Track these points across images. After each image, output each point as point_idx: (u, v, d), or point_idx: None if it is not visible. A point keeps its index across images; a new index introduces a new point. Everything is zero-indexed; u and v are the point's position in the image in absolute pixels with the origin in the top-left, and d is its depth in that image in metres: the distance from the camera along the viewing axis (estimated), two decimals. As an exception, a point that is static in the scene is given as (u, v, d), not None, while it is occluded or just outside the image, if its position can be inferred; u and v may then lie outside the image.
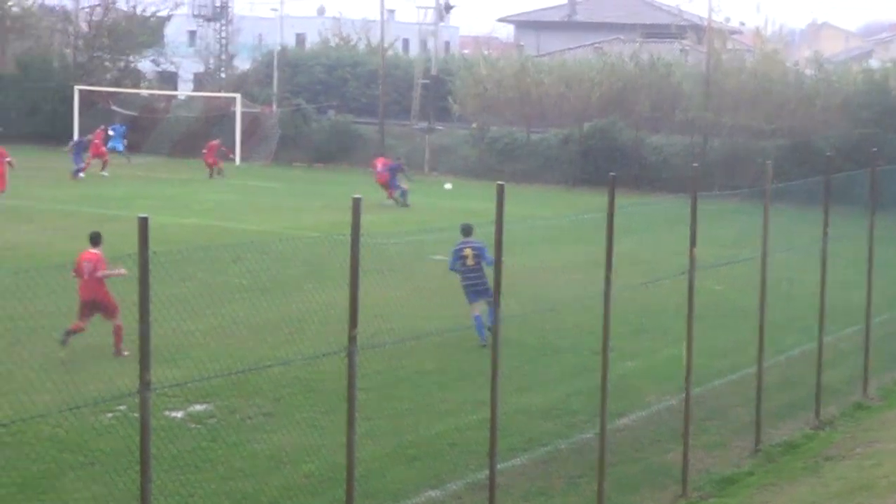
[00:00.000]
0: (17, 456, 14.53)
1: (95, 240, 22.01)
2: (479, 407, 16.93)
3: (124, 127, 62.46)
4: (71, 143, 53.31)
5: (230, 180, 52.93)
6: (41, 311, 21.39)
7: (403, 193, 45.58)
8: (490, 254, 19.11)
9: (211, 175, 54.32)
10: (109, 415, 16.30)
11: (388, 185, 45.92)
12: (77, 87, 67.82)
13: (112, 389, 16.23)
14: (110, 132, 60.14)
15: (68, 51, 77.95)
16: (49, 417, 15.22)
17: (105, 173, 53.25)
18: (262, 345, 21.13)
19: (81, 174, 51.30)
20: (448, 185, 53.96)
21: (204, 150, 56.14)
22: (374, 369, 18.10)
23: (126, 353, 20.26)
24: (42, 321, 21.49)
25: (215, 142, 56.94)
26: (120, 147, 60.49)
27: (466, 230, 23.69)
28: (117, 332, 21.24)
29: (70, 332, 21.10)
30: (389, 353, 19.69)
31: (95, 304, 21.60)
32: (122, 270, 20.03)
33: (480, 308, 22.84)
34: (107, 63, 76.37)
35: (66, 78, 71.33)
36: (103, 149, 54.62)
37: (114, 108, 69.28)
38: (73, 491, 13.41)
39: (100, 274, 21.28)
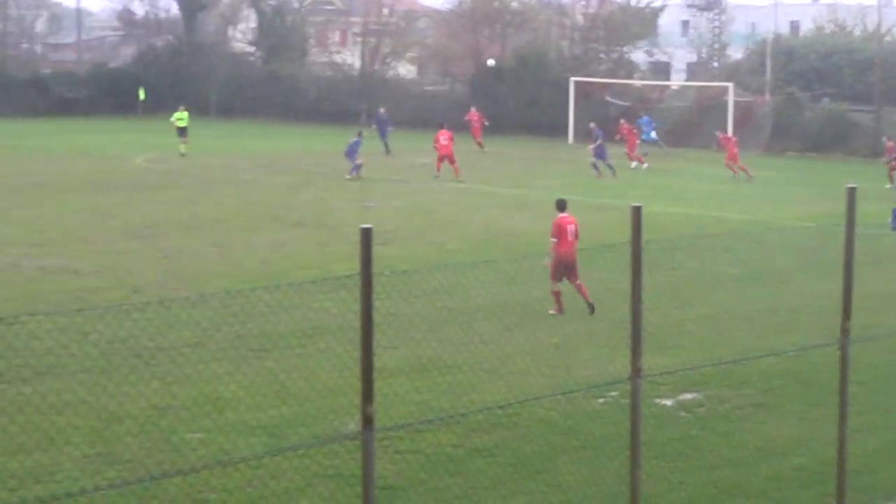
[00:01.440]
0: (512, 437, 15.06)
1: (564, 206, 23.25)
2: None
3: (648, 117, 63.24)
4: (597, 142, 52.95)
5: (723, 170, 52.44)
6: (536, 297, 22.17)
7: None
8: None
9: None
10: (601, 400, 16.60)
11: None
12: (572, 79, 69.29)
13: (603, 375, 16.58)
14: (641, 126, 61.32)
15: (564, 43, 79.90)
16: (543, 400, 15.74)
17: (645, 165, 54.01)
18: (752, 335, 20.89)
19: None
20: None
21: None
22: (867, 363, 17.53)
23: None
24: (536, 307, 22.20)
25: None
26: (653, 137, 61.34)
27: None
28: (582, 288, 22.33)
29: (558, 301, 22.15)
30: (884, 347, 19.05)
31: (570, 266, 22.42)
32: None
33: None
34: (601, 55, 77.67)
35: (562, 70, 73.03)
36: (634, 141, 55.11)
37: (608, 99, 70.38)
38: (565, 473, 13.75)
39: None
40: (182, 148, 54.75)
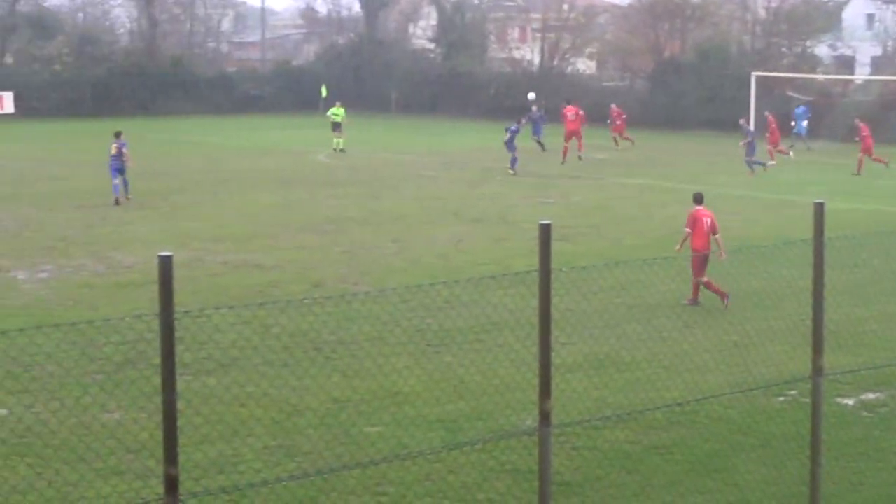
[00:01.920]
0: (689, 434, 14.94)
1: (701, 199, 23.49)
2: None
3: (805, 108, 62.17)
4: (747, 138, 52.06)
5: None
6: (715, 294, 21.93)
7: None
8: None
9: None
10: (780, 398, 16.35)
11: None
12: (754, 74, 68.21)
13: (783, 373, 16.35)
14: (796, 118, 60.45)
15: (746, 37, 78.71)
16: (721, 398, 15.56)
17: (789, 155, 53.30)
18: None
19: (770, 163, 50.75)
20: None
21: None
22: None
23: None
24: (716, 303, 21.99)
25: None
26: (803, 131, 60.36)
27: None
28: (710, 285, 22.48)
29: (722, 294, 22.40)
30: None
31: (705, 258, 22.65)
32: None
33: None
34: (784, 49, 76.33)
35: (744, 64, 71.94)
36: (777, 134, 54.22)
37: (790, 93, 69.13)
38: (743, 472, 13.59)
39: (717, 236, 22.90)
40: (340, 143, 55.67)
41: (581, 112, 52.51)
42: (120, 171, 37.32)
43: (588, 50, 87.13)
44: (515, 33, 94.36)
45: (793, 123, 61.55)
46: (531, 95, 59.33)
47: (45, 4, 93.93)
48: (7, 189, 40.45)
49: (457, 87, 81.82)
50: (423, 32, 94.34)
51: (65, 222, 32.90)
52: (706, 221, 22.97)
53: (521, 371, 15.80)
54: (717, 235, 22.99)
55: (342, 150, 54.96)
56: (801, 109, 61.94)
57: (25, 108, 76.69)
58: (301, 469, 13.32)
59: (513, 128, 46.83)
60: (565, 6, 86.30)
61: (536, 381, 9.79)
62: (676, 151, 57.30)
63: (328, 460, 13.52)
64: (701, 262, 22.59)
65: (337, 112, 56.57)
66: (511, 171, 45.68)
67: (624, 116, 60.95)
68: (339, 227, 32.25)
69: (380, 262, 27.12)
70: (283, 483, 12.36)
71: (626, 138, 58.86)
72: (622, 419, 14.77)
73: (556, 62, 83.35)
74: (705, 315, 21.24)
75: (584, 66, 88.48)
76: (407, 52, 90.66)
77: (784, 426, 14.96)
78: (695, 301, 22.57)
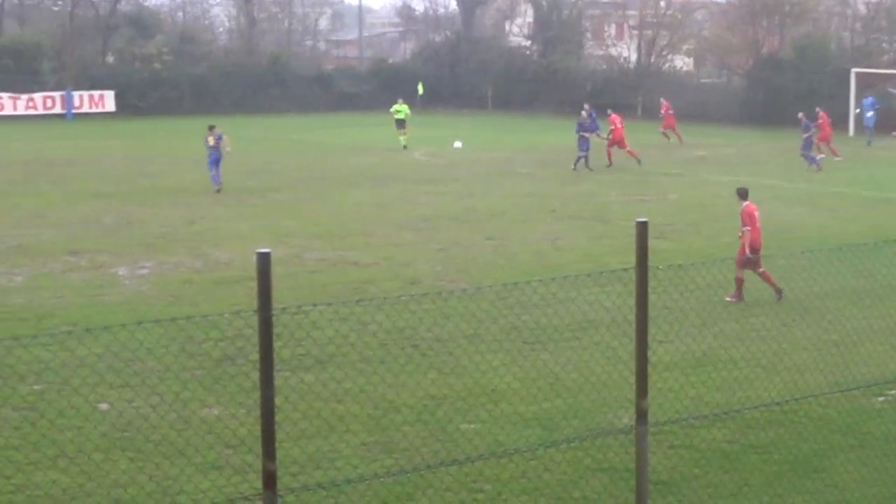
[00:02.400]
0: (788, 434, 14.78)
1: (747, 193, 23.61)
2: None
3: (873, 99, 61.17)
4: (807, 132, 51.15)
5: None
6: (816, 292, 21.65)
7: None
8: None
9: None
10: (880, 398, 16.13)
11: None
12: (854, 70, 67.32)
13: (884, 373, 16.16)
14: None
15: (845, 34, 77.70)
16: (820, 398, 15.38)
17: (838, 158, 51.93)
18: None
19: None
20: None
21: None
22: None
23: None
24: (815, 302, 21.71)
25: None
26: (871, 123, 59.52)
27: None
28: (767, 276, 22.60)
29: (777, 290, 22.53)
30: None
31: (758, 252, 22.76)
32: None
33: None
34: (884, 44, 75.26)
35: (843, 61, 71.06)
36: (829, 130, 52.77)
37: (890, 90, 68.14)
38: (843, 472, 13.43)
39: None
40: (402, 140, 55.99)
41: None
42: (217, 162, 39.26)
43: (685, 47, 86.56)
44: (612, 30, 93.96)
45: (857, 110, 60.71)
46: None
47: (146, 4, 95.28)
48: (108, 186, 41.08)
49: (553, 84, 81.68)
50: (519, 30, 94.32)
51: (164, 219, 33.34)
52: (757, 215, 23.08)
53: (618, 369, 15.73)
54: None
55: (406, 147, 55.26)
56: (869, 101, 60.88)
57: (126, 107, 77.91)
58: (397, 465, 13.39)
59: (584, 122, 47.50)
60: (662, 2, 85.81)
61: (633, 379, 9.77)
62: (775, 149, 56.66)
63: (424, 457, 13.57)
64: (756, 257, 22.70)
65: (400, 109, 57.01)
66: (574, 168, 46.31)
67: (671, 112, 60.38)
68: (434, 225, 32.34)
69: (475, 260, 27.15)
70: (380, 479, 12.44)
71: (677, 135, 58.29)
72: (719, 418, 14.66)
73: (652, 59, 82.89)
74: (803, 314, 20.98)
75: (682, 62, 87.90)
76: (503, 50, 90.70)
77: (884, 426, 14.77)
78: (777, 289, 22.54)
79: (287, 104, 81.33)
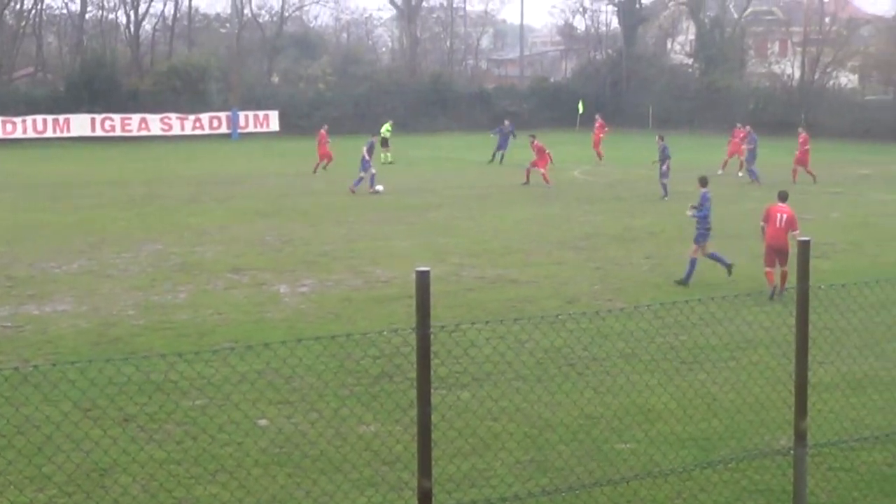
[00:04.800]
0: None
1: (785, 197, 25.43)
2: None
3: None
4: None
5: None
6: None
7: None
8: None
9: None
10: None
11: None
12: None
13: None
14: None
15: None
16: None
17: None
18: None
19: None
20: None
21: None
22: None
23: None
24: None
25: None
26: None
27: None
28: (784, 277, 24.33)
29: (770, 281, 24.44)
30: None
31: (780, 251, 24.45)
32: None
33: None
34: None
35: None
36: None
37: None
38: None
39: (796, 233, 24.11)
40: (386, 158, 58.08)
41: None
42: (366, 167, 44.69)
43: (850, 63, 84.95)
44: (775, 47, 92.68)
45: None
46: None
47: (311, 25, 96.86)
48: (271, 205, 41.84)
49: (715, 101, 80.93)
50: (681, 48, 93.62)
51: (325, 237, 33.83)
52: (779, 216, 24.71)
53: (777, 389, 15.53)
54: (797, 232, 24.29)
55: (391, 163, 57.50)
56: None
57: (289, 126, 79.25)
58: (552, 484, 13.39)
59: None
60: (827, 19, 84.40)
61: (791, 400, 9.66)
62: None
63: (579, 476, 13.55)
64: (772, 254, 24.64)
65: (388, 129, 60.34)
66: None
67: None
68: (593, 244, 32.27)
69: (633, 279, 27.02)
70: (535, 498, 12.46)
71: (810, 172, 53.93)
72: (880, 440, 14.36)
73: (816, 76, 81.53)
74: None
75: (846, 79, 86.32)
76: (665, 68, 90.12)
77: None
78: (779, 290, 24.13)
79: (448, 123, 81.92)
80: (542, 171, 47.84)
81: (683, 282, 26.02)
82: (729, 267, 26.51)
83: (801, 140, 50.02)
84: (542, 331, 19.25)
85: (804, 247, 9.43)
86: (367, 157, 45.59)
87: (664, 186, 43.95)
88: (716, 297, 12.19)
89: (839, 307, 16.95)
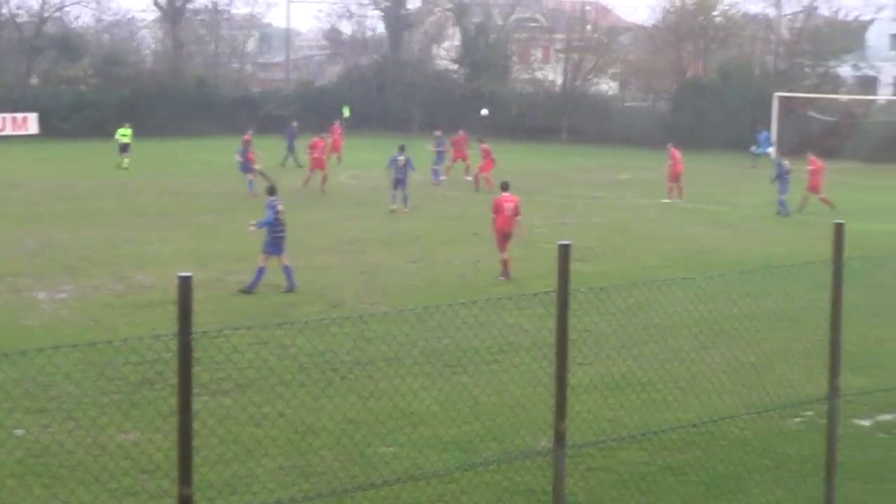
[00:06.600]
0: (704, 456, 14.89)
1: (507, 186, 28.53)
2: None
3: (767, 133, 62.18)
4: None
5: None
6: (734, 313, 21.83)
7: None
8: None
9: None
10: (796, 419, 16.32)
11: None
12: (776, 94, 68.19)
13: (799, 394, 16.27)
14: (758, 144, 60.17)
15: (769, 58, 78.71)
16: (737, 419, 15.51)
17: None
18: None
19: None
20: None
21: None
22: None
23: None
24: (734, 324, 21.87)
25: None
26: (761, 151, 60.43)
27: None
28: (507, 262, 27.51)
29: (508, 272, 27.43)
30: None
31: (508, 236, 27.68)
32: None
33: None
34: (807, 69, 76.30)
35: (766, 85, 72.00)
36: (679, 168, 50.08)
37: (812, 114, 69.13)
38: (758, 494, 13.55)
39: (520, 217, 27.99)
40: (124, 163, 56.46)
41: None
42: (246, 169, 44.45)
43: (611, 70, 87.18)
44: (539, 53, 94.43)
45: (753, 148, 61.33)
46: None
47: (72, 26, 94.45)
48: (30, 209, 40.65)
49: (479, 107, 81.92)
50: (446, 53, 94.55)
51: (87, 242, 33.03)
52: (507, 206, 27.66)
53: (537, 391, 15.80)
54: (519, 217, 28.00)
55: (126, 169, 55.65)
56: (763, 135, 61.79)
57: (49, 129, 77.10)
58: (315, 489, 13.32)
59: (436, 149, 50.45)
60: (588, 26, 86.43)
61: (552, 402, 9.79)
62: (698, 172, 57.13)
63: (343, 480, 13.52)
64: (502, 240, 27.64)
65: (125, 133, 57.81)
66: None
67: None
68: (358, 248, 32.36)
69: (398, 283, 27.18)
70: (297, 503, 12.37)
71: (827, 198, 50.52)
72: (637, 440, 14.74)
73: (578, 82, 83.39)
74: (722, 336, 21.10)
75: (607, 86, 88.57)
76: (430, 73, 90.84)
77: (800, 447, 14.92)
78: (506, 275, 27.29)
79: (213, 126, 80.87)
80: (485, 174, 47.96)
81: (248, 290, 25.66)
82: (289, 289, 25.76)
83: (812, 167, 42.94)
84: (305, 336, 19.13)
85: (564, 250, 9.56)
86: (241, 159, 45.16)
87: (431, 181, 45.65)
88: (478, 300, 12.28)
89: (599, 310, 17.32)
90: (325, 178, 47.60)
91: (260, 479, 13.68)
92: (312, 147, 48.67)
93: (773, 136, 62.77)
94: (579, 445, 13.45)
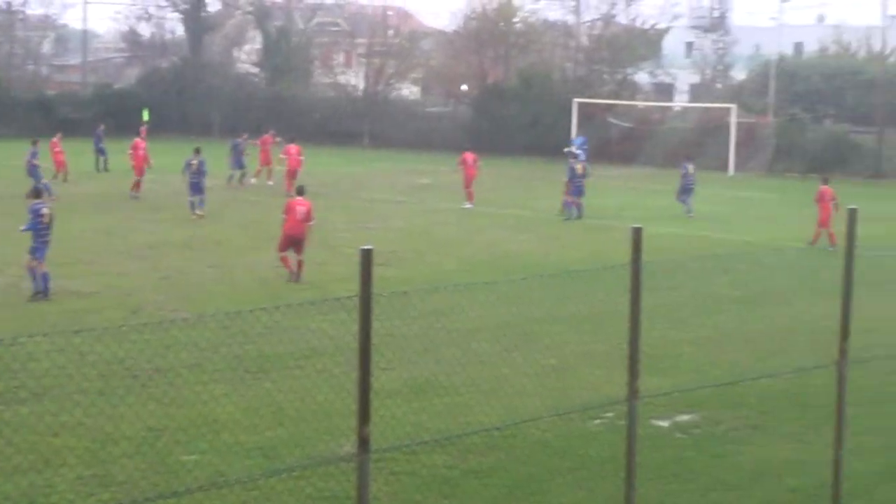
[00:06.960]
0: (507, 458, 15.05)
1: (302, 191, 29.42)
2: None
3: (582, 139, 63.29)
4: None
5: (724, 191, 52.43)
6: (536, 317, 22.17)
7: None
8: None
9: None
10: (597, 421, 16.60)
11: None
12: (576, 100, 69.39)
13: (600, 396, 16.61)
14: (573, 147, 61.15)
15: (569, 64, 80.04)
16: (539, 422, 15.73)
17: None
18: (749, 356, 20.93)
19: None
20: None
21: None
22: (862, 385, 17.50)
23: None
24: (535, 327, 22.19)
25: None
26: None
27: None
28: (301, 265, 27.65)
29: (287, 266, 27.62)
30: (880, 369, 19.07)
31: (296, 241, 27.73)
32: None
33: None
34: (605, 76, 77.81)
35: (566, 91, 73.19)
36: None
37: (610, 120, 70.55)
38: (559, 495, 13.75)
39: (312, 223, 28.18)
40: None
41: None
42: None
43: (412, 75, 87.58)
44: (341, 58, 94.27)
45: (566, 149, 62.22)
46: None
47: None
48: None
49: (281, 111, 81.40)
50: (247, 56, 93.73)
51: None
52: (299, 210, 27.89)
53: (341, 397, 15.76)
54: (311, 223, 28.21)
55: None
56: (579, 139, 62.91)
57: None
58: (115, 499, 13.06)
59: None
60: (390, 31, 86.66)
61: (355, 407, 9.76)
62: (499, 176, 57.79)
63: (143, 489, 13.28)
64: (288, 242, 27.80)
65: None
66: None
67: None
68: (158, 253, 31.83)
69: (199, 288, 26.83)
70: (96, 514, 12.11)
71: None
72: (440, 444, 14.80)
73: (380, 87, 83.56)
74: (525, 339, 21.43)
75: (409, 91, 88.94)
76: (231, 77, 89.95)
77: (600, 449, 15.18)
78: (297, 276, 27.53)
79: (7, 129, 78.70)
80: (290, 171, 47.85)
81: (40, 295, 25.02)
82: (37, 294, 25.07)
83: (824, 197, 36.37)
84: (104, 343, 18.78)
85: (366, 255, 9.54)
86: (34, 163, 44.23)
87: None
88: (281, 306, 12.23)
89: (402, 314, 17.41)
90: (138, 184, 46.72)
91: (58, 490, 13.35)
92: (134, 147, 47.83)
93: (581, 141, 63.59)
94: (383, 450, 13.45)
